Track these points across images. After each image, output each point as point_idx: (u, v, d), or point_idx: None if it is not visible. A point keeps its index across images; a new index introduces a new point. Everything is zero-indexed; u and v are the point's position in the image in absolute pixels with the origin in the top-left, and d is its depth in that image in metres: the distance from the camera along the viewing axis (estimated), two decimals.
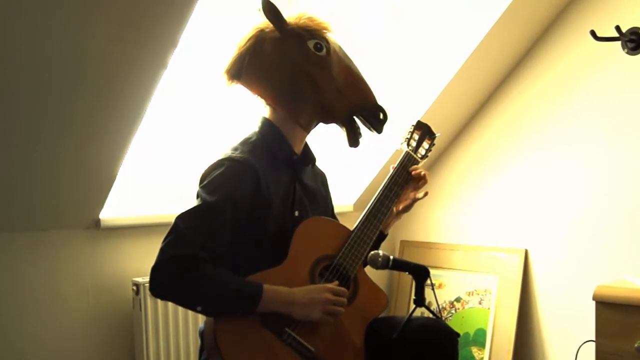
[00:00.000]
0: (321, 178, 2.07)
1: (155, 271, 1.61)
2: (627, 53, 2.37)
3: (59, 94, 1.81)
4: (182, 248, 1.61)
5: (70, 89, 1.82)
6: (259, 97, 1.88)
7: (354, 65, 1.90)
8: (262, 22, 1.83)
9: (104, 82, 1.85)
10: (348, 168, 3.03)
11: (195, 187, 1.77)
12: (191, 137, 2.56)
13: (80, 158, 2.02)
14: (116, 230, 2.31)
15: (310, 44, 1.82)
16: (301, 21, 1.84)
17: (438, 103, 2.97)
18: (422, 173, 2.03)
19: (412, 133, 2.11)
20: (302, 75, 1.81)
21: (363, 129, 1.92)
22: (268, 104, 1.88)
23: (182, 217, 1.66)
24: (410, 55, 2.95)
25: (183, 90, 2.46)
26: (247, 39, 1.83)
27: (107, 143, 2.04)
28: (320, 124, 1.93)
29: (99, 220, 2.25)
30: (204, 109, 2.58)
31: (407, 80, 2.96)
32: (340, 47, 1.90)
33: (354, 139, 1.90)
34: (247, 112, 2.53)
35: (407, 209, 2.06)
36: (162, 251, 1.62)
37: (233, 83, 1.86)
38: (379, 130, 1.92)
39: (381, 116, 1.90)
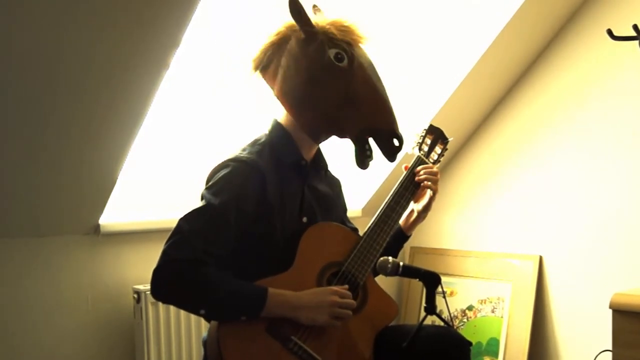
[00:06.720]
0: (337, 185, 2.03)
1: (157, 274, 1.59)
2: None
3: (59, 96, 1.80)
4: (185, 250, 1.60)
5: (70, 91, 1.80)
6: (274, 93, 1.85)
7: (381, 85, 1.82)
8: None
9: (104, 83, 1.84)
10: (356, 172, 2.99)
11: (200, 189, 1.74)
12: (192, 141, 2.55)
13: (80, 161, 2.01)
14: (116, 236, 2.31)
15: (331, 52, 1.76)
16: (328, 27, 1.79)
17: (449, 106, 2.94)
18: (423, 175, 1.95)
19: (424, 137, 2.06)
20: (314, 81, 1.77)
21: (376, 152, 1.85)
22: (280, 101, 1.84)
23: (186, 219, 1.65)
24: (420, 57, 2.93)
25: (184, 92, 2.46)
26: (276, 32, 1.81)
27: (108, 146, 2.03)
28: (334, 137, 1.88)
29: (98, 225, 2.25)
30: (205, 113, 2.57)
31: (417, 82, 2.94)
32: (370, 64, 1.83)
33: (361, 160, 1.84)
34: (248, 116, 2.51)
35: (426, 208, 1.98)
36: (165, 253, 1.60)
37: (256, 73, 1.84)
38: (390, 158, 1.84)
39: (396, 143, 1.82)
